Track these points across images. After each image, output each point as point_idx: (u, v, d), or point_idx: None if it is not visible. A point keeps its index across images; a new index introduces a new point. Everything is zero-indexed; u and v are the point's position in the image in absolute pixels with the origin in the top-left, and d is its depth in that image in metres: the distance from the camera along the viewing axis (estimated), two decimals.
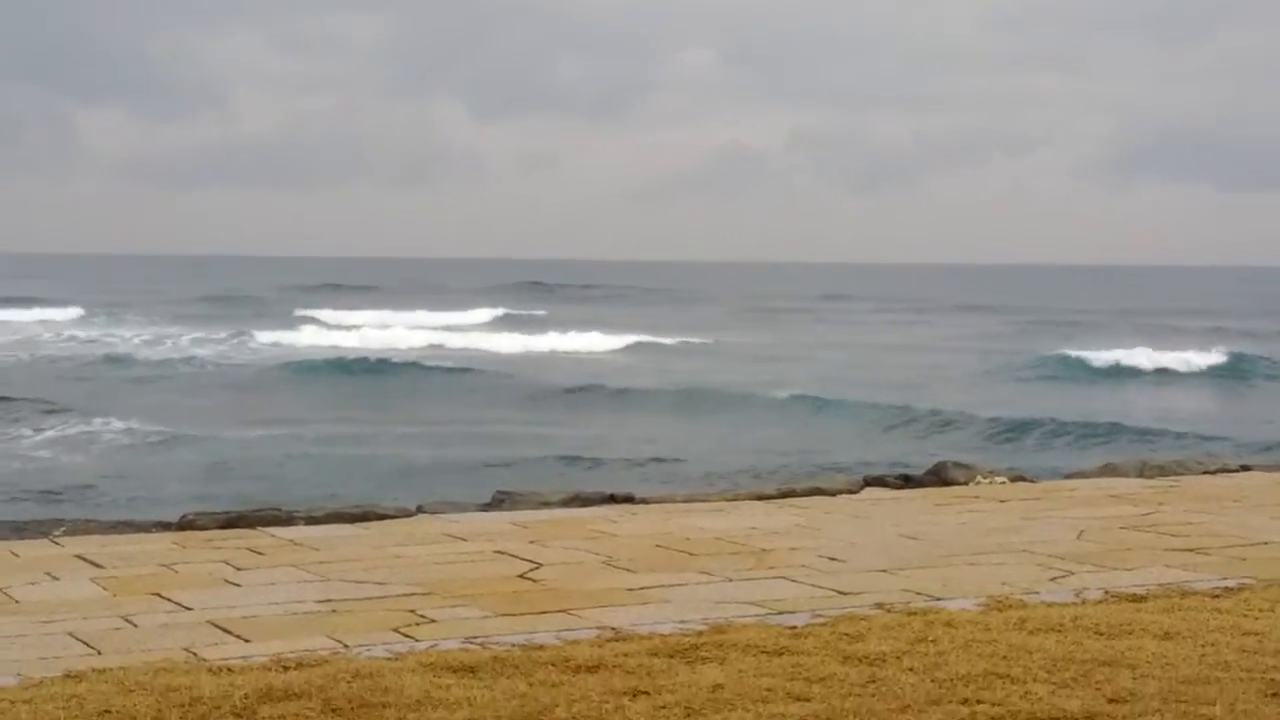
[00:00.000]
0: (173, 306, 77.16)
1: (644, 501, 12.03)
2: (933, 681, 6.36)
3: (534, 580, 8.70)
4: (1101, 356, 43.92)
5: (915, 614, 7.68)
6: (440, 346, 53.78)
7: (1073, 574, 8.92)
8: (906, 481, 12.97)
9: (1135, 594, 8.27)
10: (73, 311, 71.15)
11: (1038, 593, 8.36)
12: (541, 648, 6.94)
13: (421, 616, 7.71)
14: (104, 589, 8.40)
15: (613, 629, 7.38)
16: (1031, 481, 13.47)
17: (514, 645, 7.02)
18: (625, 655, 6.75)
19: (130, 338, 57.08)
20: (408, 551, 9.58)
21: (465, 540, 10.01)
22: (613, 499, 11.97)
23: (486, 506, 11.77)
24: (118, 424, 28.57)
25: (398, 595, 8.24)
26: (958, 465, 13.33)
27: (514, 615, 7.74)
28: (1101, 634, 7.23)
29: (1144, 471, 13.59)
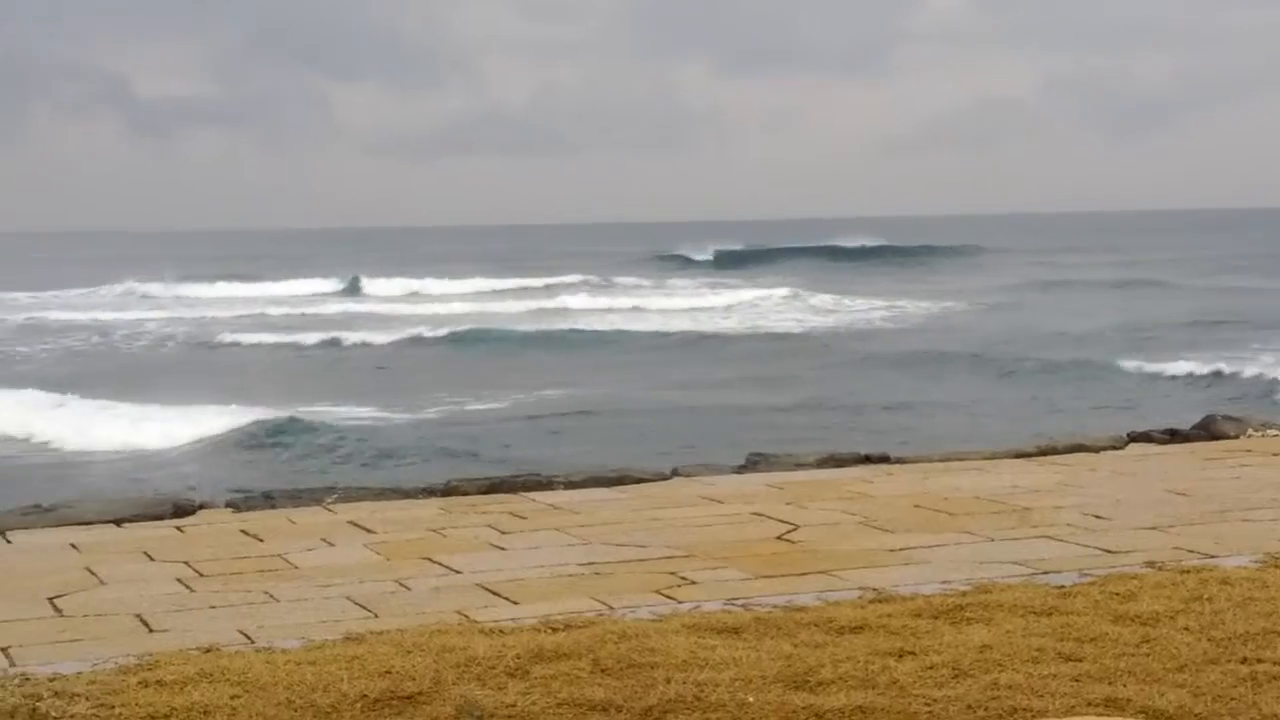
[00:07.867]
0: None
1: (900, 461, 11.91)
2: (1209, 641, 6.19)
3: (792, 542, 8.71)
4: None
5: (1188, 572, 7.47)
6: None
7: None
8: (1173, 436, 12.58)
9: None
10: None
11: None
12: (803, 609, 6.95)
13: (682, 578, 7.78)
14: (377, 554, 8.69)
15: (875, 590, 7.35)
16: None
17: (775, 606, 7.05)
18: (889, 616, 6.72)
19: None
20: (665, 514, 9.67)
21: (721, 503, 10.06)
22: (868, 459, 11.88)
23: (741, 469, 11.80)
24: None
25: (658, 558, 8.33)
26: (1228, 418, 12.87)
27: (774, 577, 7.77)
28: None
29: None
